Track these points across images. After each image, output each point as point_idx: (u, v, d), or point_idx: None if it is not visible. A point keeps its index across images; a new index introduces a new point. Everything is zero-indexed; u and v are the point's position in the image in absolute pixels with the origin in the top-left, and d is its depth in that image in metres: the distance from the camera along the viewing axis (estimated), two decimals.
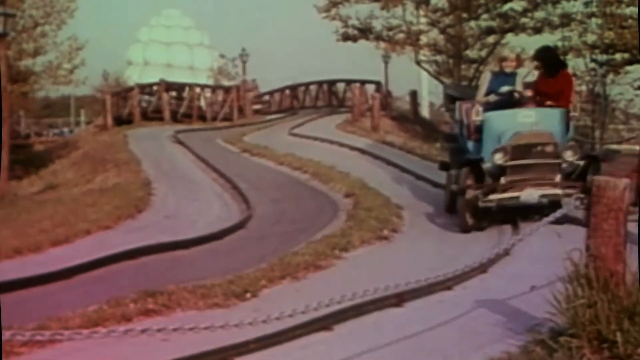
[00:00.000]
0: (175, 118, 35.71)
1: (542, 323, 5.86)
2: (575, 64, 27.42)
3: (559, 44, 27.27)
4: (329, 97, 39.49)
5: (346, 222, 11.47)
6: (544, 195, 11.27)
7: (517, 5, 27.52)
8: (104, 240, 11.75)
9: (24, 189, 24.14)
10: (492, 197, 11.38)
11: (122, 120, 35.32)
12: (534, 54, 12.99)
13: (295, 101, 41.88)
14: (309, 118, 33.80)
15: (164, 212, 14.08)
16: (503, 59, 12.58)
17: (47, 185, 24.12)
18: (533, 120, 11.52)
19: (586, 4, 27.29)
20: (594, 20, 27.45)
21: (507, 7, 27.53)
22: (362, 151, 20.54)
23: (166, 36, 52.13)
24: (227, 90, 40.50)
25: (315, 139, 24.99)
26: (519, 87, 12.12)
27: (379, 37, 30.71)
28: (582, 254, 5.78)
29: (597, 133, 29.61)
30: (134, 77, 46.65)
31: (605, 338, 5.17)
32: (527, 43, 27.45)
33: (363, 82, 36.58)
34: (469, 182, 11.50)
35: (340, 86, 39.16)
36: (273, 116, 38.53)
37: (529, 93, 12.18)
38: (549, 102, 11.86)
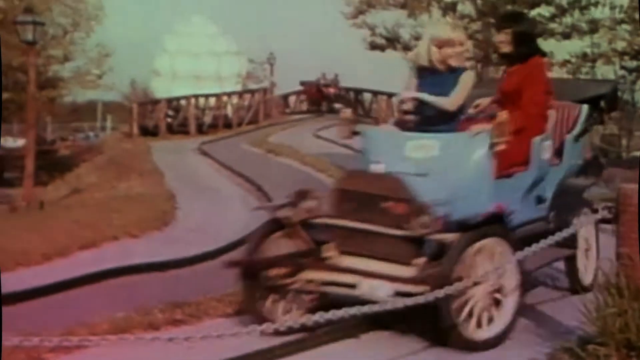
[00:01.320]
0: (201, 130, 35.79)
1: (570, 331, 5.83)
2: (604, 71, 27.31)
3: (588, 50, 27.16)
4: (355, 105, 39.47)
5: None
6: (400, 294, 5.67)
7: (545, 11, 27.40)
8: (131, 247, 11.80)
9: (49, 194, 24.33)
10: (308, 276, 6.32)
11: (148, 131, 35.46)
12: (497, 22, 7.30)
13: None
14: (334, 122, 33.79)
15: (189, 226, 14.13)
16: (438, 43, 6.60)
17: (72, 189, 24.30)
18: (434, 155, 6.36)
19: (613, 9, 27.13)
20: (623, 26, 27.30)
21: (534, 12, 27.40)
22: None
23: (193, 46, 52.19)
24: (253, 93, 40.61)
25: (339, 143, 25.12)
26: (460, 92, 6.56)
27: (406, 47, 30.62)
28: (612, 263, 5.75)
29: (624, 141, 29.45)
30: (162, 90, 46.77)
31: (634, 346, 5.14)
32: (555, 47, 27.39)
33: (390, 95, 36.49)
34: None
35: (367, 95, 39.08)
36: (297, 116, 38.59)
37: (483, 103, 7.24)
38: (503, 114, 6.46)
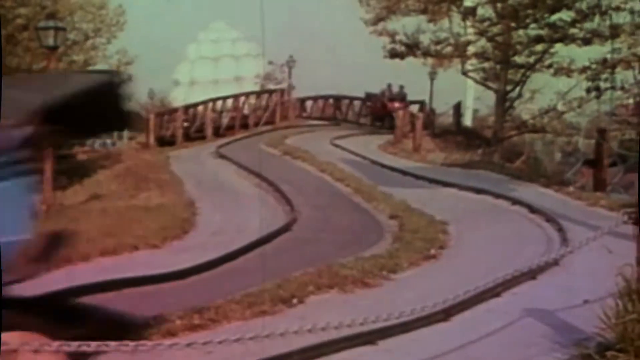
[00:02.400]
0: (217, 132, 35.73)
1: (589, 337, 5.79)
2: (624, 76, 27.11)
3: (609, 56, 26.97)
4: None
5: (392, 244, 11.29)
6: None
7: (566, 16, 27.24)
8: (152, 258, 11.82)
9: (68, 198, 24.35)
10: None
11: (165, 141, 35.42)
12: None
13: (337, 112, 41.47)
14: (351, 133, 33.71)
15: (210, 230, 14.12)
16: None
17: (91, 195, 24.29)
18: None
19: (632, 14, 26.87)
20: None
21: (555, 17, 27.25)
22: (404, 172, 20.57)
23: (213, 51, 52.15)
24: (271, 94, 40.49)
25: (356, 154, 25.31)
26: None
27: (426, 53, 30.47)
28: (633, 269, 5.72)
29: None
30: (180, 98, 46.75)
31: None
32: (577, 54, 27.23)
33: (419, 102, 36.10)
34: None
35: None
36: (314, 122, 38.44)
37: None
38: None
